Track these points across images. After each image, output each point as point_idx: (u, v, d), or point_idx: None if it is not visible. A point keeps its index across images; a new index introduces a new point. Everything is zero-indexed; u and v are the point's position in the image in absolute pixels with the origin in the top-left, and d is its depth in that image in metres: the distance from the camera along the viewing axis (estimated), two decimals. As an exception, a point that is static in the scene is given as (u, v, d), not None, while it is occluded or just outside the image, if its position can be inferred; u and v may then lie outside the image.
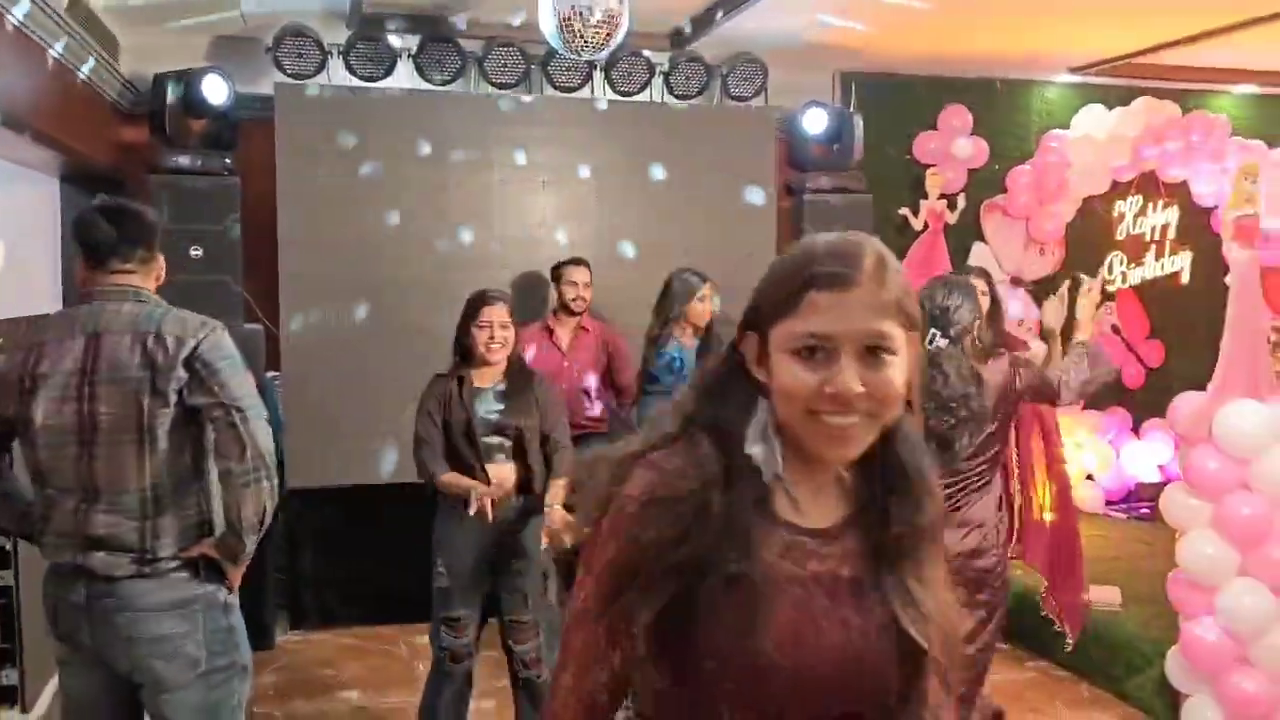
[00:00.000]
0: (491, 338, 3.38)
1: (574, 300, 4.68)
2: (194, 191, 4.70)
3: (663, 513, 1.15)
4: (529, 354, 4.47)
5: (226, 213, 4.73)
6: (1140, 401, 6.59)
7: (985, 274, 4.44)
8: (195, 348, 2.37)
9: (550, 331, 4.74)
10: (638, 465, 1.20)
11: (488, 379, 3.46)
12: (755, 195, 5.43)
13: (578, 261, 4.73)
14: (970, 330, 3.19)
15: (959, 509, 3.19)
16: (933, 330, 3.15)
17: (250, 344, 4.71)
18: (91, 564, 2.35)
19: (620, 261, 5.26)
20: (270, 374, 4.94)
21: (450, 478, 3.38)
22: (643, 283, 5.10)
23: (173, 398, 2.35)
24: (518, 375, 3.49)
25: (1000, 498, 3.35)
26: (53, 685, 3.76)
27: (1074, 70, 6.26)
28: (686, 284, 4.38)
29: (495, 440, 3.40)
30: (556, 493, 3.31)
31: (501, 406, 3.42)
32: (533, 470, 3.43)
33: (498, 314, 3.40)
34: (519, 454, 3.42)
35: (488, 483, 3.33)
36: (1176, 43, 5.48)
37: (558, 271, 4.74)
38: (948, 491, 3.10)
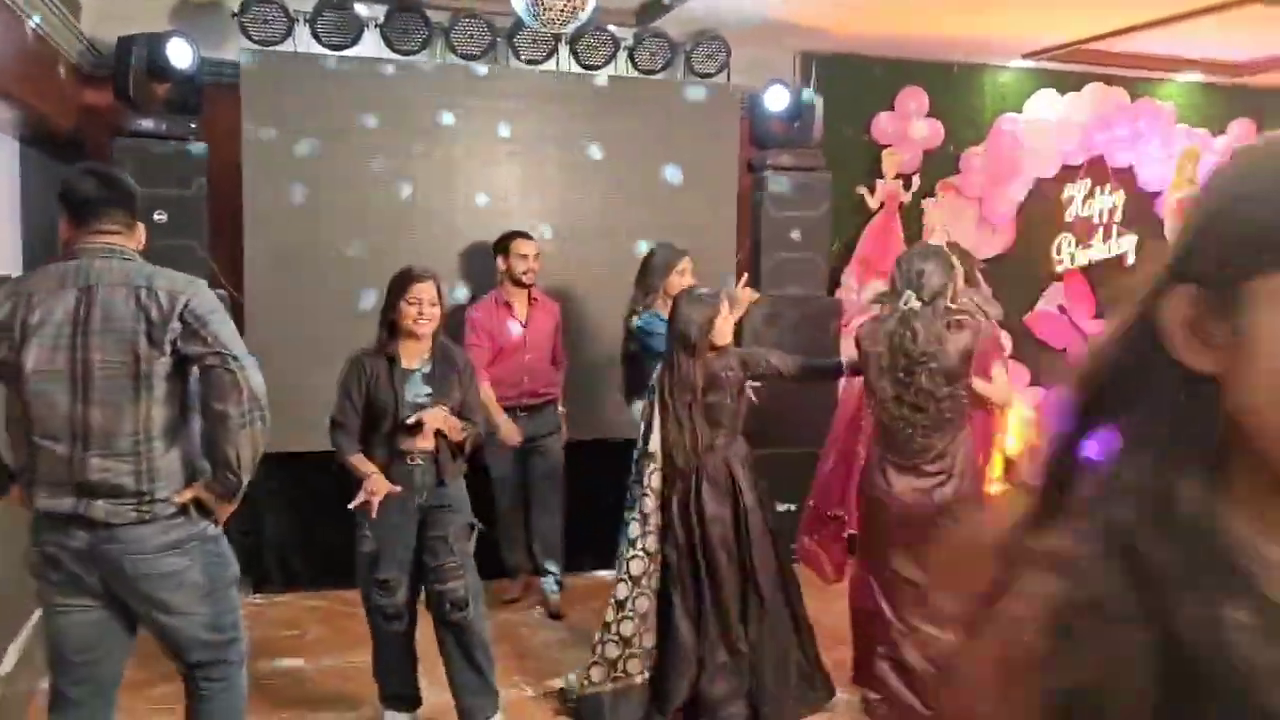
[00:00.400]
0: (420, 313, 3.46)
1: (525, 273, 4.77)
2: (158, 156, 4.68)
3: (1085, 646, 0.66)
4: (477, 329, 4.70)
5: (191, 178, 4.72)
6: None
7: (958, 249, 4.58)
8: (187, 302, 2.51)
9: (509, 306, 4.83)
10: (1027, 559, 0.72)
11: (414, 359, 3.54)
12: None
13: (523, 234, 4.83)
14: (942, 294, 3.43)
15: (929, 440, 3.51)
16: (908, 292, 3.44)
17: (215, 309, 4.74)
18: (93, 513, 2.47)
19: (580, 234, 5.34)
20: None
21: (356, 460, 3.50)
22: (606, 254, 5.22)
23: (168, 348, 2.47)
24: (442, 356, 3.58)
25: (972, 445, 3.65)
26: (18, 643, 3.79)
27: (1027, 55, 6.42)
28: (666, 257, 4.47)
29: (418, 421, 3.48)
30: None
31: (429, 389, 3.52)
32: (450, 446, 3.54)
33: (427, 291, 3.48)
34: (438, 431, 3.51)
35: (392, 479, 3.46)
36: (1126, 30, 5.65)
37: (505, 244, 4.80)
38: (922, 427, 3.48)
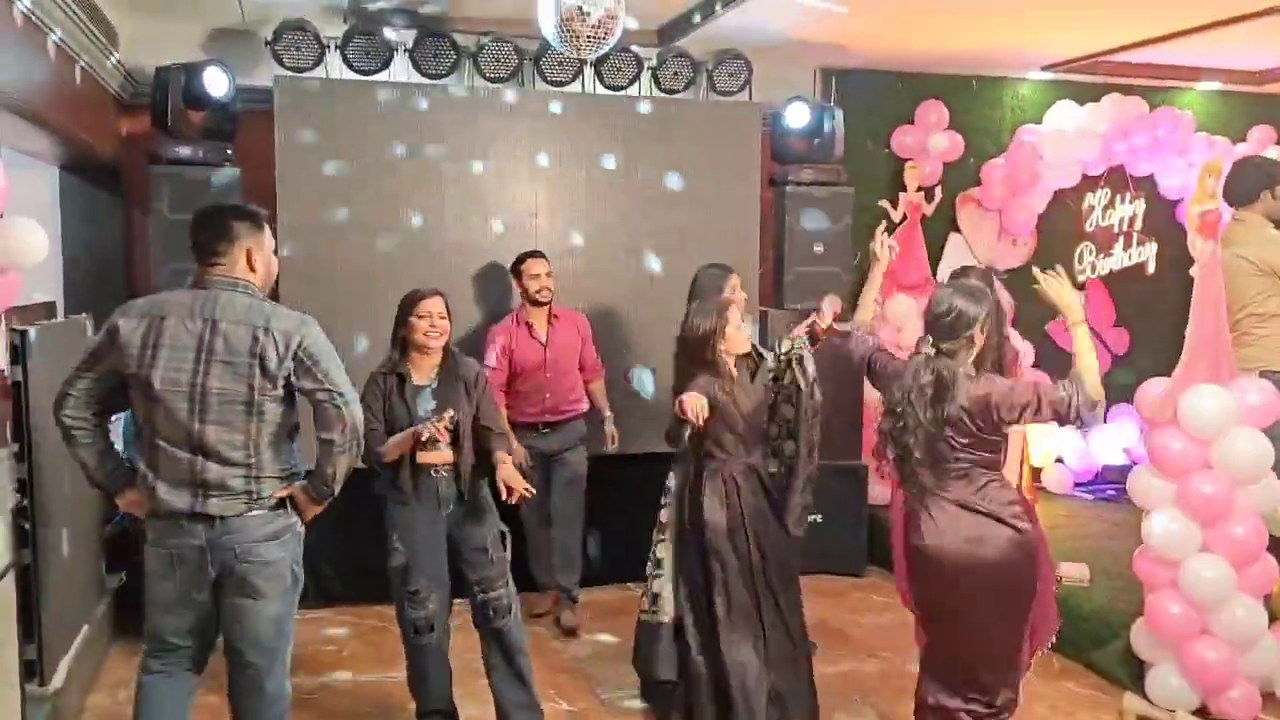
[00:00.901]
0: (431, 326, 3.62)
1: (539, 291, 4.84)
2: (193, 181, 4.79)
3: None
4: (495, 351, 4.78)
5: (226, 202, 4.81)
6: (1106, 387, 6.79)
7: (988, 276, 4.31)
8: (300, 342, 2.85)
9: (529, 326, 4.89)
10: None
11: (424, 375, 3.67)
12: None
13: (535, 254, 4.90)
14: (970, 338, 3.11)
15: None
16: (925, 337, 3.16)
17: (251, 331, 4.84)
18: (209, 509, 2.83)
19: (614, 249, 5.42)
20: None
21: (392, 441, 3.58)
22: (634, 270, 5.31)
23: (281, 381, 2.85)
24: (451, 370, 3.70)
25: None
26: (69, 658, 3.88)
27: (1046, 68, 6.47)
28: (714, 278, 4.35)
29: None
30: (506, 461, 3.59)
31: (434, 404, 3.61)
32: (466, 457, 3.63)
33: (435, 305, 3.66)
34: (453, 442, 3.59)
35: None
36: (1143, 43, 5.70)
37: (518, 267, 4.90)
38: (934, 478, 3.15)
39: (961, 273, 4.25)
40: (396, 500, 3.65)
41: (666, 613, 3.87)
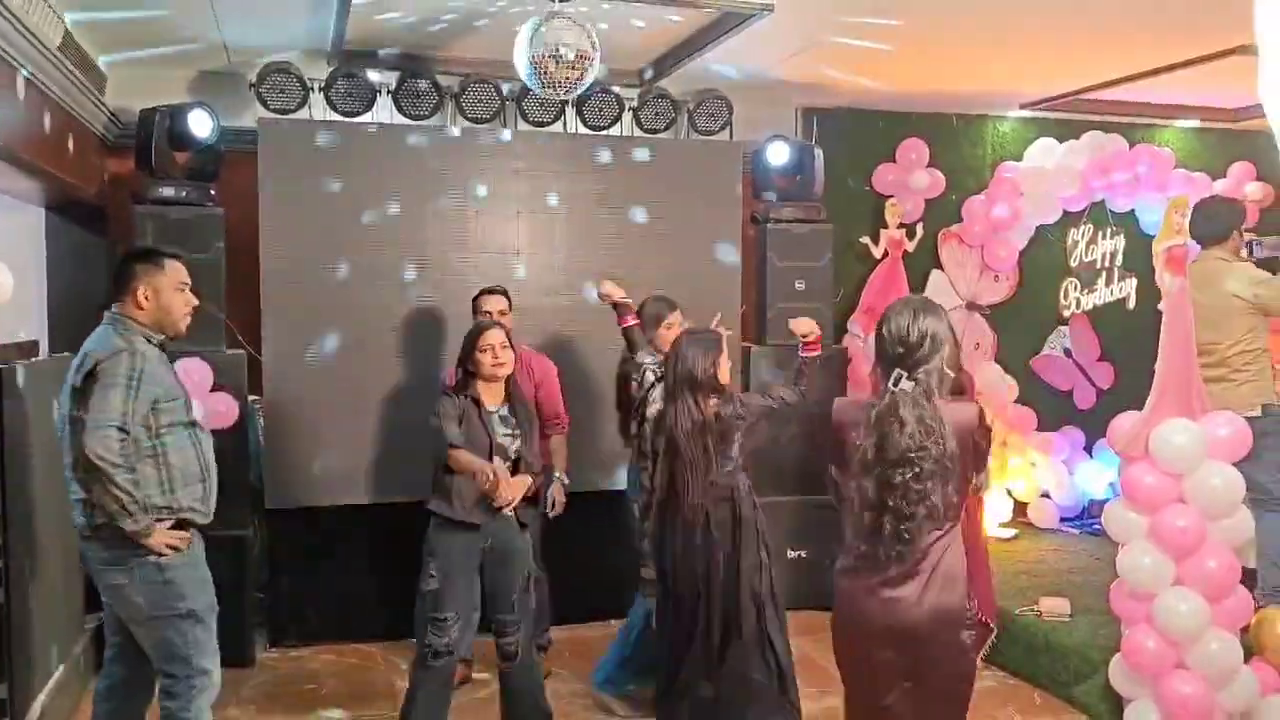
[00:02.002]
0: (496, 358, 3.73)
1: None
2: (178, 221, 4.83)
3: None
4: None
5: (210, 241, 4.86)
6: (1092, 422, 6.84)
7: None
8: (95, 366, 3.01)
9: None
10: None
11: (492, 401, 3.78)
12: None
13: (493, 290, 4.64)
14: (939, 369, 2.72)
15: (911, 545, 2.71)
16: (896, 371, 2.71)
17: (233, 368, 4.87)
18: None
19: (587, 288, 5.45)
20: (252, 398, 5.09)
21: (463, 454, 3.60)
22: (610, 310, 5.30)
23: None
24: (516, 400, 3.84)
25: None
26: (42, 697, 3.87)
27: (1025, 106, 6.55)
28: (656, 310, 4.44)
29: (499, 460, 3.70)
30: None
31: (508, 432, 3.75)
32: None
33: (496, 337, 3.77)
34: (515, 473, 3.74)
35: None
36: (1118, 81, 5.78)
37: (475, 302, 4.65)
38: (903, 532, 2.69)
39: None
40: (441, 522, 3.69)
41: None
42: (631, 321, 4.27)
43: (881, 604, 2.74)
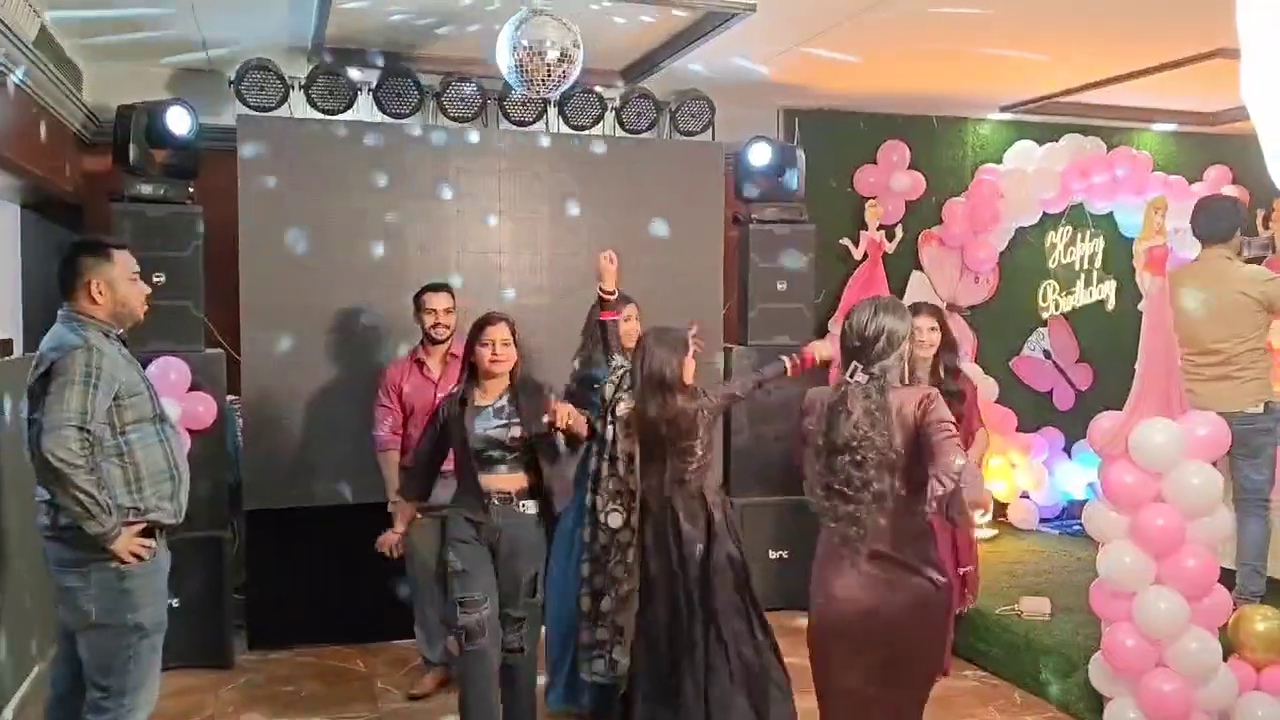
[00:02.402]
0: (495, 353, 3.66)
1: (433, 328, 4.55)
2: (155, 219, 4.78)
3: None
4: (386, 385, 4.59)
5: (188, 240, 4.82)
6: (1071, 422, 6.89)
7: (937, 310, 4.69)
8: (51, 366, 2.93)
9: (420, 364, 4.61)
10: None
11: (490, 396, 3.71)
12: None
13: (437, 288, 4.60)
14: (894, 366, 2.89)
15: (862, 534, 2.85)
16: (853, 363, 2.89)
17: (211, 368, 4.83)
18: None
19: (575, 288, 5.44)
20: (230, 398, 5.04)
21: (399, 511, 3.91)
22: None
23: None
24: (523, 391, 3.72)
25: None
26: (14, 702, 3.82)
27: (1005, 108, 6.59)
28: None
29: (496, 453, 3.64)
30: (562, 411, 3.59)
31: (501, 422, 3.65)
32: (543, 477, 3.69)
33: (499, 332, 3.69)
34: (531, 464, 3.66)
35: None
36: (1095, 84, 5.82)
37: (418, 299, 4.59)
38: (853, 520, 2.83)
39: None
40: (456, 513, 3.68)
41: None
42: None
43: (851, 584, 2.87)
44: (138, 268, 3.20)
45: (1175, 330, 4.23)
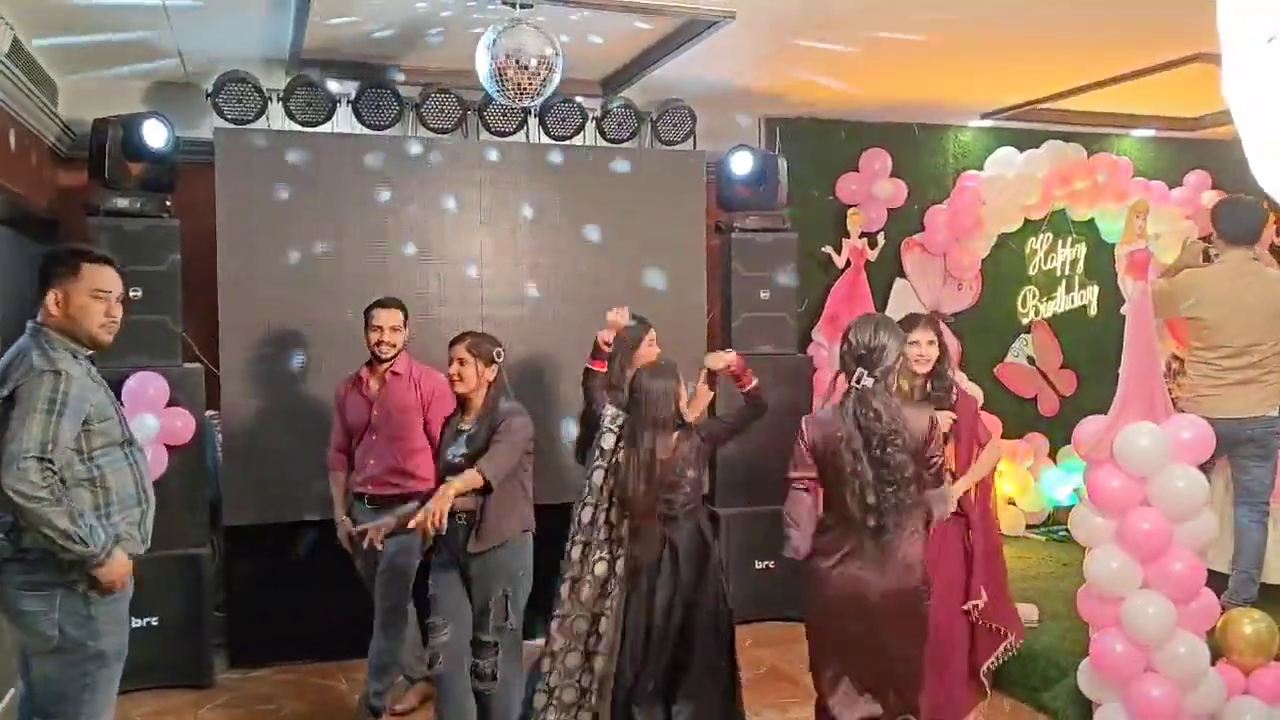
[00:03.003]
0: (452, 373, 3.68)
1: (378, 345, 4.28)
2: (132, 233, 4.73)
3: None
4: (346, 406, 4.39)
5: (165, 254, 4.77)
6: (1056, 428, 6.89)
7: (934, 322, 4.33)
8: (15, 391, 2.76)
9: (360, 381, 4.39)
10: None
11: (468, 420, 3.71)
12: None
13: (386, 304, 4.34)
14: (892, 370, 3.26)
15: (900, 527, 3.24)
16: (859, 370, 3.20)
17: (190, 383, 4.78)
18: None
19: (557, 298, 5.41)
20: (209, 413, 4.99)
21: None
22: (580, 319, 5.26)
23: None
24: (485, 417, 3.66)
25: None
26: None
27: (986, 115, 6.60)
28: (633, 332, 4.20)
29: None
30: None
31: (465, 451, 3.61)
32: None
33: (455, 352, 3.68)
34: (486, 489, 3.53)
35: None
36: (1076, 91, 5.84)
37: (367, 314, 4.33)
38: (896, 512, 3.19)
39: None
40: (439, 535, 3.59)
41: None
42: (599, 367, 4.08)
43: (859, 582, 3.22)
44: (110, 288, 2.95)
45: (1195, 334, 4.24)
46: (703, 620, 3.71)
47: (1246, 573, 4.52)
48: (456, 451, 3.62)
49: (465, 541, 3.59)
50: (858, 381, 3.20)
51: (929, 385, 4.19)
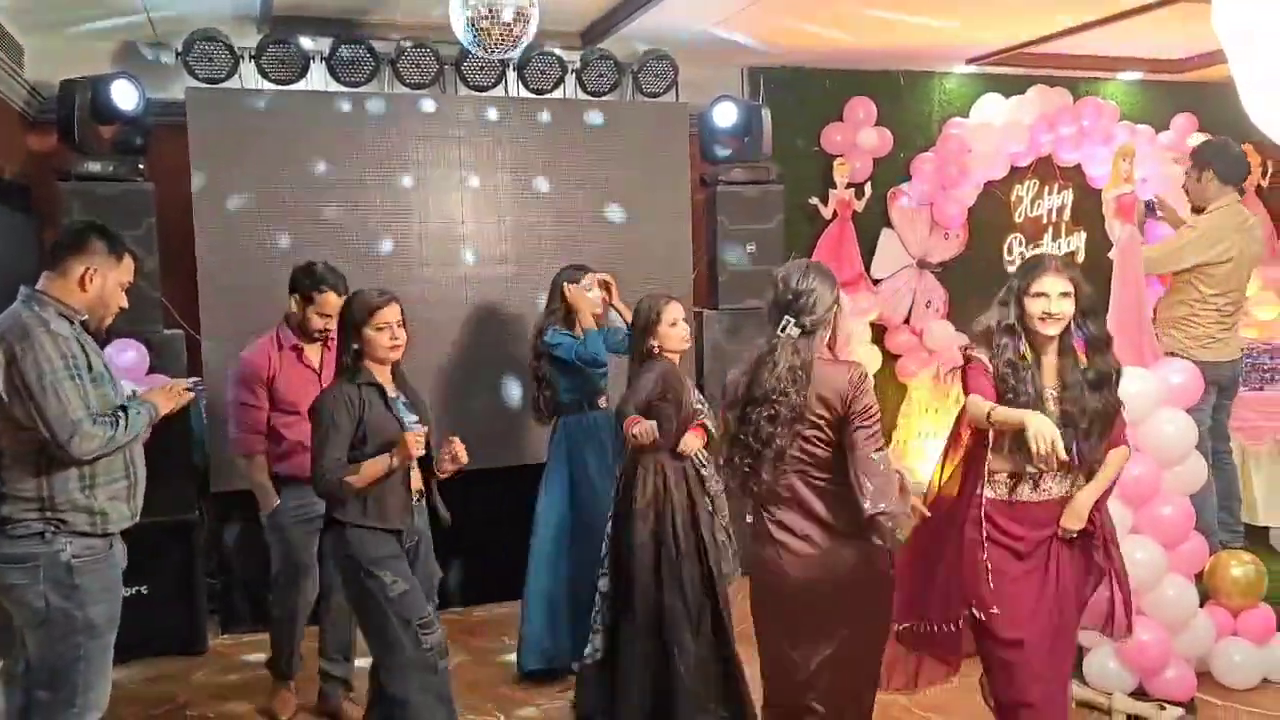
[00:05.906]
0: (394, 338, 3.27)
1: (320, 332, 3.95)
2: (105, 198, 4.64)
3: None
4: (247, 382, 3.97)
5: (140, 218, 4.69)
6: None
7: (1071, 266, 3.35)
8: (12, 361, 2.77)
9: (297, 350, 4.01)
10: None
11: (391, 387, 3.32)
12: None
13: (336, 285, 3.91)
14: (826, 321, 2.83)
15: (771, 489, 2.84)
16: (786, 317, 2.81)
17: (170, 349, 4.72)
18: None
19: (535, 256, 5.35)
20: (192, 379, 4.92)
21: (369, 467, 3.13)
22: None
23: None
24: (403, 379, 3.39)
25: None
26: None
27: (971, 61, 6.52)
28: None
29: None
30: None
31: (419, 419, 3.32)
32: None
33: (394, 314, 3.28)
34: (424, 463, 3.33)
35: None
36: (1063, 33, 5.76)
37: (309, 294, 3.91)
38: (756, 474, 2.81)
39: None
40: (378, 534, 3.21)
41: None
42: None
43: (781, 552, 2.84)
44: (130, 281, 3.08)
45: (1207, 281, 4.21)
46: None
47: (1228, 507, 4.57)
48: (410, 419, 3.28)
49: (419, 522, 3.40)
50: (782, 329, 2.79)
51: (1083, 374, 3.05)
